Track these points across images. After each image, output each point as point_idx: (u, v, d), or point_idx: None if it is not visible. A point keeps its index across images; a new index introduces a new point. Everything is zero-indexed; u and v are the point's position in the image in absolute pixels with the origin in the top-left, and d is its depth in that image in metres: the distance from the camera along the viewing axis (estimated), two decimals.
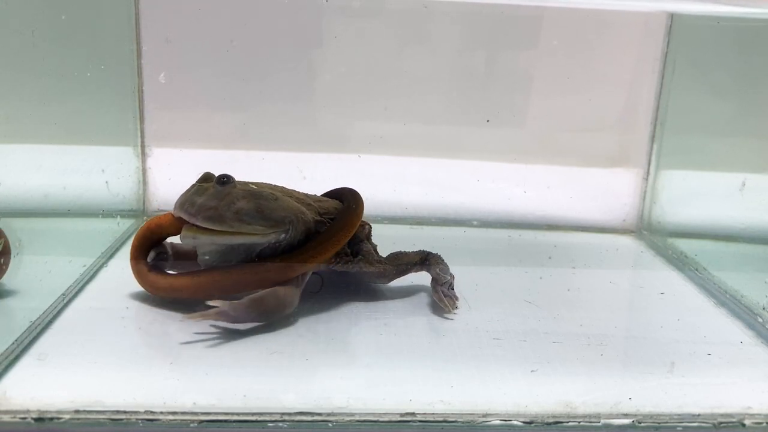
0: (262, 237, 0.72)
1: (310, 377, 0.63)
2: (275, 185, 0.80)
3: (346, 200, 0.81)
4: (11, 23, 0.76)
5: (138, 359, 0.65)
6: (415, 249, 0.84)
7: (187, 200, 0.72)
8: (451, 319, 0.76)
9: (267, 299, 0.71)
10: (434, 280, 0.80)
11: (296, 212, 0.74)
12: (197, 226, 0.71)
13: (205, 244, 0.72)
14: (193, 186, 0.74)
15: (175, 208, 0.73)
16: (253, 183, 0.77)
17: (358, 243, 0.80)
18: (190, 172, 1.03)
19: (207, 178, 0.74)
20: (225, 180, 0.73)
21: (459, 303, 0.79)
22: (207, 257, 0.73)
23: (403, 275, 0.82)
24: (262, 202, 0.73)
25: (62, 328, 0.70)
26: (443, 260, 0.82)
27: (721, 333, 0.77)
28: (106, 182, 0.93)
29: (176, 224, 0.73)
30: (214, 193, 0.72)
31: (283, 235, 0.73)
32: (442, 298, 0.78)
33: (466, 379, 0.64)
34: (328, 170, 1.00)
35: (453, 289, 0.80)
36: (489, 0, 1.00)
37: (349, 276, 0.80)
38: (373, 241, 0.84)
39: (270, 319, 0.71)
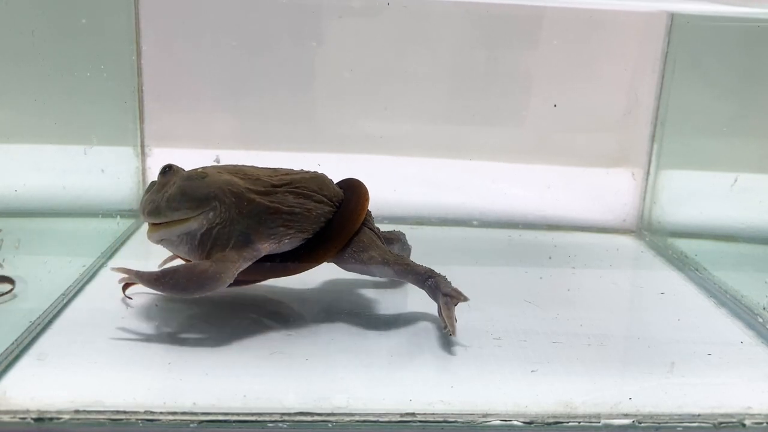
0: (193, 221, 0.69)
1: (309, 377, 0.63)
2: (237, 166, 0.77)
3: (346, 196, 0.78)
4: (11, 23, 0.75)
5: (138, 359, 0.65)
6: (416, 249, 0.84)
7: (141, 200, 0.73)
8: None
9: (178, 272, 0.67)
10: (448, 297, 0.73)
11: (220, 185, 0.70)
12: (149, 224, 0.72)
13: (162, 239, 0.72)
14: (151, 183, 0.74)
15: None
16: (207, 167, 0.75)
17: (357, 233, 0.76)
18: None
19: (165, 171, 0.73)
20: (166, 170, 0.72)
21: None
22: (174, 249, 0.73)
23: (404, 276, 0.76)
24: (186, 183, 0.70)
25: (62, 328, 0.70)
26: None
27: (722, 333, 0.77)
28: (102, 170, 0.92)
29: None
30: (157, 186, 0.72)
31: (212, 213, 0.69)
32: (452, 315, 0.71)
33: (466, 379, 0.64)
34: (328, 170, 1.00)
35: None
36: (489, 0, 1.00)
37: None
38: (375, 226, 0.79)
39: (190, 294, 0.67)
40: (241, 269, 0.69)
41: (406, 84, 1.04)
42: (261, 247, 0.70)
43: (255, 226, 0.70)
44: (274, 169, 0.77)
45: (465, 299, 0.73)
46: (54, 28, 0.82)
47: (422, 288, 0.75)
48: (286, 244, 0.72)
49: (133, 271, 0.69)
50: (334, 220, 0.75)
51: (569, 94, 1.06)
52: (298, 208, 0.73)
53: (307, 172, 0.78)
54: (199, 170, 0.73)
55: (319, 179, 0.77)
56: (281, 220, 0.72)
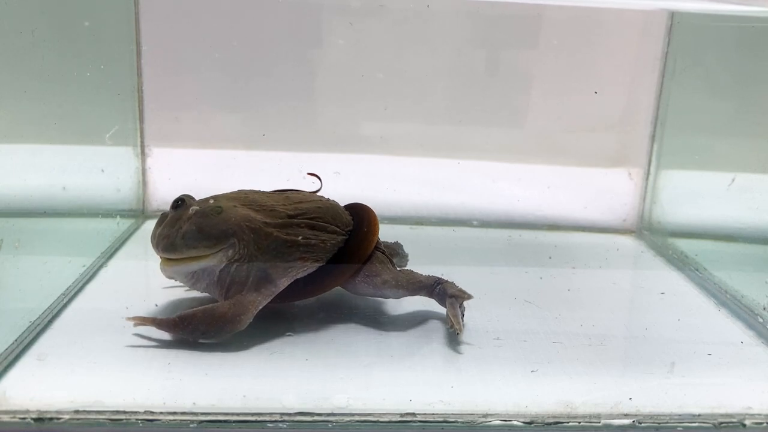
0: (212, 258, 0.69)
1: (309, 377, 0.63)
2: (252, 192, 0.76)
3: (356, 222, 0.76)
4: (11, 23, 0.75)
5: (138, 359, 0.65)
6: (416, 249, 0.84)
7: (153, 234, 0.72)
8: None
9: (197, 317, 0.66)
10: (454, 297, 0.74)
11: (238, 221, 0.70)
12: (164, 258, 0.71)
13: (176, 274, 0.72)
14: (162, 215, 0.72)
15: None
16: (216, 196, 0.74)
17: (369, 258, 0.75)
18: (190, 172, 1.03)
19: (176, 204, 0.72)
20: (178, 204, 0.71)
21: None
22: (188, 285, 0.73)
23: (416, 293, 0.76)
24: (202, 220, 0.69)
25: (62, 328, 0.70)
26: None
27: (722, 333, 0.77)
28: (102, 170, 0.92)
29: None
30: (170, 221, 0.70)
31: (231, 251, 0.69)
32: (457, 314, 0.72)
33: (466, 379, 0.64)
34: (328, 170, 1.00)
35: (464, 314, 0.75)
36: (489, 0, 1.00)
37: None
38: (383, 248, 0.79)
39: (210, 338, 0.67)
40: (260, 308, 0.68)
41: (406, 84, 1.04)
42: (279, 282, 0.70)
43: (272, 260, 0.70)
44: (286, 197, 0.76)
45: (469, 297, 0.74)
46: (54, 28, 0.82)
47: (431, 297, 0.75)
48: (301, 274, 0.72)
49: (149, 319, 0.68)
50: (346, 248, 0.74)
51: (569, 94, 1.06)
52: (313, 240, 0.72)
53: (320, 199, 0.77)
54: (211, 202, 0.72)
55: (333, 210, 0.76)
56: (298, 252, 0.71)
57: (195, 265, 0.70)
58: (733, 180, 0.93)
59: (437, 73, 1.05)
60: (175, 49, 1.00)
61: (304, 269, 0.71)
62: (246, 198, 0.74)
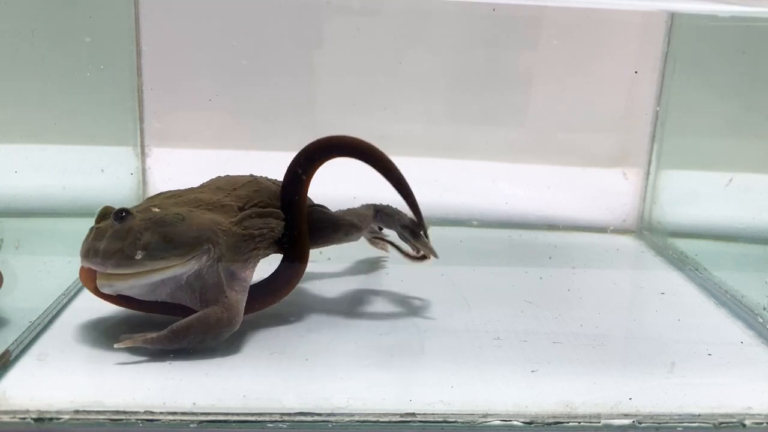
0: (182, 266, 0.65)
1: (309, 377, 0.63)
2: (181, 192, 0.73)
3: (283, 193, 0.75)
4: (11, 23, 0.76)
5: (138, 359, 0.64)
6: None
7: (90, 249, 0.64)
8: (451, 319, 0.76)
9: (192, 327, 0.65)
10: (406, 229, 0.73)
11: (210, 226, 0.67)
12: (110, 274, 0.64)
13: (126, 289, 0.66)
14: (92, 229, 0.66)
15: (81, 258, 0.66)
16: (153, 203, 0.70)
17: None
18: (190, 172, 1.03)
19: (104, 214, 0.67)
20: (122, 215, 0.65)
21: (460, 302, 0.79)
22: (146, 296, 0.67)
23: (365, 225, 0.77)
24: (168, 230, 0.65)
25: (62, 328, 0.70)
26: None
27: (722, 333, 0.77)
28: (102, 170, 0.92)
29: (91, 276, 0.66)
30: (114, 233, 0.64)
31: (205, 257, 0.66)
32: (426, 243, 0.71)
33: (466, 379, 0.64)
34: (328, 170, 1.00)
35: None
36: (489, 0, 1.00)
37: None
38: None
39: (208, 344, 0.66)
40: (243, 306, 0.68)
41: (406, 84, 1.04)
42: (246, 275, 0.69)
43: (234, 257, 0.68)
44: (217, 187, 0.74)
45: (425, 227, 0.74)
46: (54, 28, 0.82)
47: (378, 224, 0.77)
48: (253, 266, 0.71)
49: (140, 339, 0.65)
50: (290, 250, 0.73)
51: (569, 93, 1.06)
52: (265, 229, 0.71)
53: (249, 179, 0.76)
54: (156, 210, 0.68)
55: (266, 188, 0.75)
56: (253, 243, 0.70)
57: (158, 276, 0.65)
58: (730, 180, 0.93)
59: (437, 72, 1.05)
60: (175, 49, 1.00)
61: (259, 258, 0.71)
62: (186, 199, 0.71)
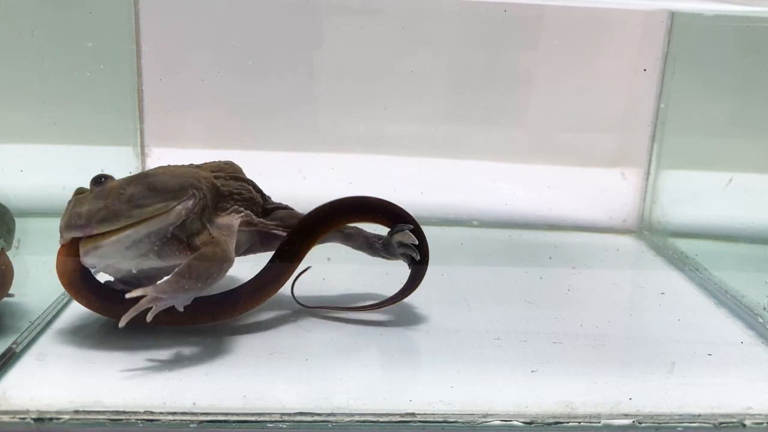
0: (167, 215, 0.64)
1: (309, 377, 0.63)
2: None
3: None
4: (11, 23, 0.76)
5: (137, 359, 0.65)
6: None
7: (71, 216, 0.63)
8: (451, 319, 0.76)
9: (192, 266, 0.63)
10: (401, 244, 0.73)
11: (192, 174, 0.68)
12: (94, 236, 0.63)
13: (112, 251, 0.64)
14: (70, 202, 0.66)
15: (61, 234, 0.65)
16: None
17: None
18: None
19: (81, 191, 0.67)
20: (101, 179, 0.65)
21: (460, 302, 0.79)
22: (123, 268, 0.67)
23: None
24: (151, 180, 0.65)
25: (62, 328, 0.70)
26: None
27: (722, 333, 0.77)
28: (101, 170, 0.91)
29: (71, 251, 0.64)
30: (96, 194, 0.64)
31: (191, 202, 0.65)
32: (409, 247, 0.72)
33: (466, 379, 0.64)
34: (328, 170, 1.00)
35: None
36: (489, 0, 1.00)
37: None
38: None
39: (211, 284, 0.65)
40: (233, 246, 0.68)
41: (406, 84, 1.04)
42: (230, 223, 0.70)
43: (215, 210, 0.70)
44: (189, 164, 0.75)
45: (413, 241, 0.73)
46: (54, 28, 0.82)
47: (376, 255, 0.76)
48: (238, 222, 0.71)
49: (150, 290, 0.63)
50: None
51: (569, 93, 1.06)
52: (243, 191, 0.74)
53: (216, 162, 0.77)
54: (147, 170, 0.69)
55: (236, 168, 0.77)
56: (233, 200, 0.72)
57: (144, 228, 0.63)
58: (730, 180, 0.93)
59: (437, 72, 1.05)
60: (175, 49, 1.00)
61: (242, 216, 0.71)
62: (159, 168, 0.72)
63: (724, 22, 0.97)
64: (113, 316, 0.66)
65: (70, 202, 0.66)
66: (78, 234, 0.63)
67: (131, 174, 0.69)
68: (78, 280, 0.66)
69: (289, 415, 0.57)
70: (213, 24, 1.00)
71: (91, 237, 0.63)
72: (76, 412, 0.56)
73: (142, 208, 0.63)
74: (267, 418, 0.57)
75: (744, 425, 0.60)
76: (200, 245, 0.66)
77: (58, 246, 0.66)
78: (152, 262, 0.67)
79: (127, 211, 0.63)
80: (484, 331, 0.74)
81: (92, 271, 0.67)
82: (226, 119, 1.04)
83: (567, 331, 0.74)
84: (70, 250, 0.65)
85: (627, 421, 0.59)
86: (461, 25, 1.05)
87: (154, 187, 0.64)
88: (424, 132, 1.07)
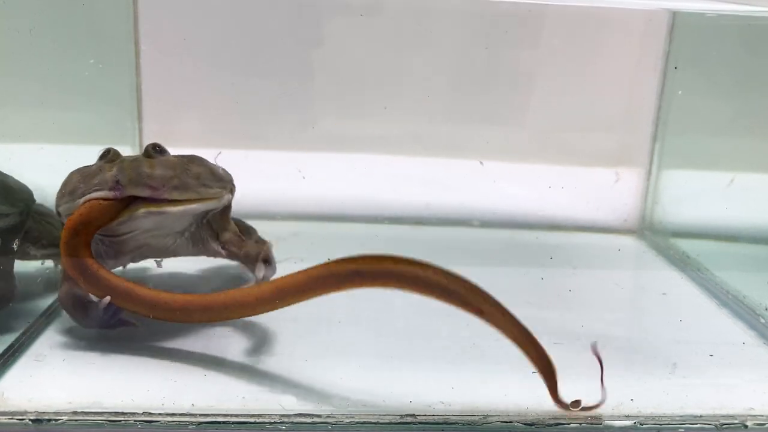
0: (218, 201, 0.69)
1: (309, 378, 0.63)
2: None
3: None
4: (10, 23, 0.75)
5: (136, 360, 0.64)
6: (416, 249, 0.83)
7: (140, 175, 0.64)
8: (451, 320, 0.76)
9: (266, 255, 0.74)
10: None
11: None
12: (160, 201, 0.64)
13: (172, 220, 0.67)
14: (101, 163, 0.67)
15: (124, 185, 0.63)
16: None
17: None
18: None
19: (110, 152, 0.68)
20: (161, 148, 0.68)
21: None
22: (162, 239, 0.70)
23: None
24: (208, 164, 0.70)
25: (61, 329, 0.70)
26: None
27: (723, 334, 0.77)
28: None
29: (111, 210, 0.64)
30: (163, 162, 0.66)
31: (229, 196, 0.72)
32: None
33: (466, 380, 0.64)
34: (328, 170, 1.00)
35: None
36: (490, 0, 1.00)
37: None
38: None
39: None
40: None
41: (406, 84, 1.04)
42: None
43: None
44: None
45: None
46: (53, 27, 0.82)
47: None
48: None
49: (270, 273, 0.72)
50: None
51: (570, 93, 1.06)
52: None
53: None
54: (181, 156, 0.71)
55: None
56: None
57: (202, 206, 0.68)
58: (732, 180, 0.92)
59: (437, 72, 1.05)
60: (174, 49, 1.00)
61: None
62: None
63: (725, 22, 0.97)
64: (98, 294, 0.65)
65: (118, 160, 0.66)
66: (146, 193, 0.64)
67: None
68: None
69: (289, 416, 0.57)
70: (212, 24, 1.00)
71: (154, 201, 0.65)
72: (75, 413, 0.56)
73: (207, 187, 0.68)
74: (266, 420, 0.57)
75: (746, 426, 0.60)
76: (228, 241, 0.73)
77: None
78: (180, 245, 0.72)
79: (195, 187, 0.67)
80: (485, 331, 0.73)
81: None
82: (225, 119, 1.04)
83: (568, 332, 0.74)
84: (110, 208, 0.64)
85: (628, 422, 0.59)
86: (461, 25, 1.04)
87: (214, 172, 0.70)
88: (424, 132, 1.07)
